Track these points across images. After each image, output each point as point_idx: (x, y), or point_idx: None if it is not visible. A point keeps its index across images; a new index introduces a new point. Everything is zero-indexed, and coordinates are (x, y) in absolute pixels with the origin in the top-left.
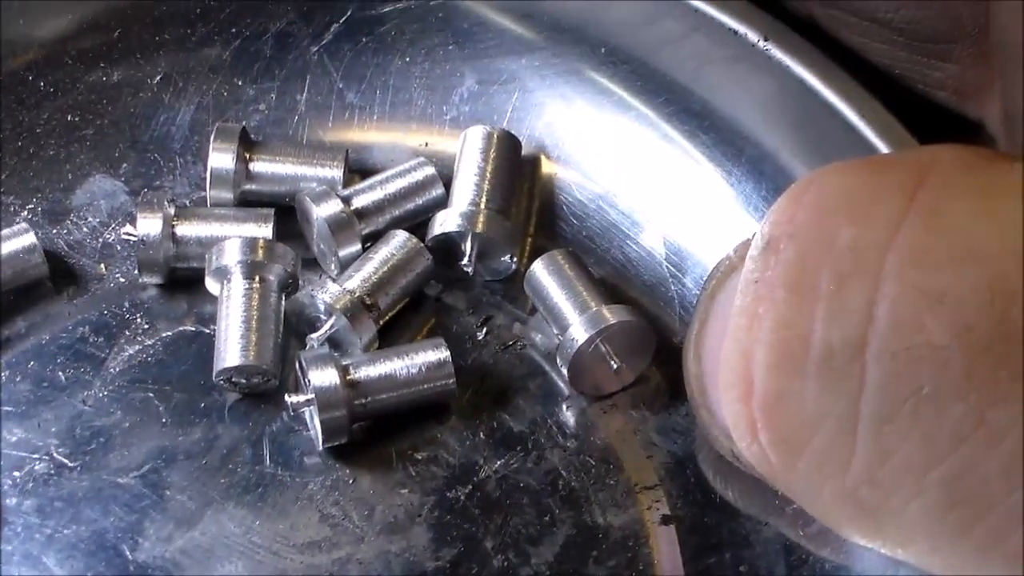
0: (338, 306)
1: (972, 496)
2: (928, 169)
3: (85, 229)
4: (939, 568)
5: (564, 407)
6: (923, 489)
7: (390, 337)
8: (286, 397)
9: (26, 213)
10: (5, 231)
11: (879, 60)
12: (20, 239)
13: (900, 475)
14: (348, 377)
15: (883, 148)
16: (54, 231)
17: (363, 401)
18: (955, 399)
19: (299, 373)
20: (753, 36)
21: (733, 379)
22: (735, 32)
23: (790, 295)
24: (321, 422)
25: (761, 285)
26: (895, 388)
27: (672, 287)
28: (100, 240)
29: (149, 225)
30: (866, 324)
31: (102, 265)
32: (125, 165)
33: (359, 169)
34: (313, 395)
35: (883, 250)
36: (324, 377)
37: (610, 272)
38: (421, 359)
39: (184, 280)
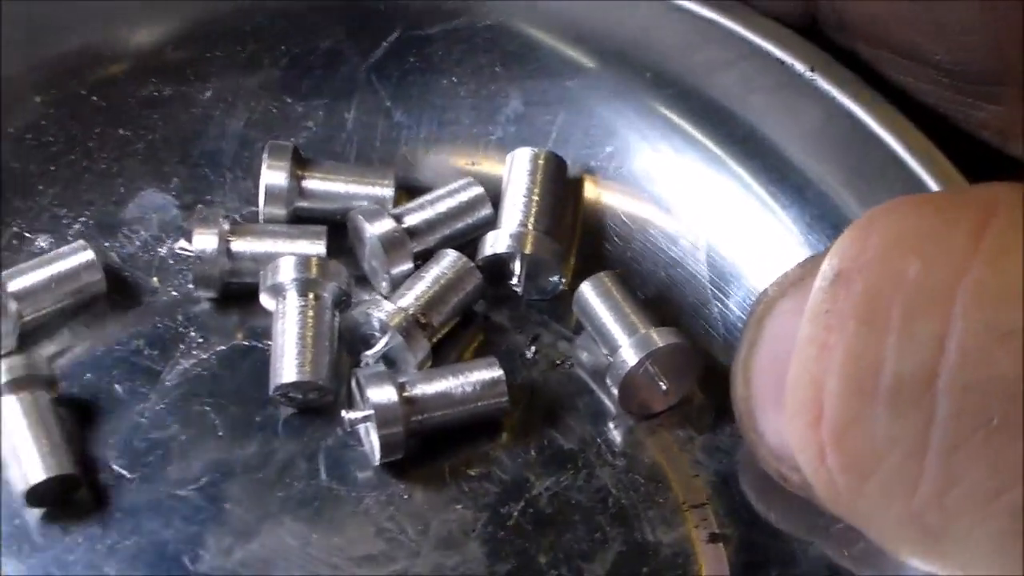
0: (393, 324)
1: None
2: (993, 208)
3: (137, 243)
4: None
5: (612, 425)
6: (989, 515)
7: (441, 354)
8: (343, 414)
9: (78, 226)
10: (64, 248)
11: (923, 98)
12: (79, 256)
13: (967, 501)
14: (405, 394)
15: (926, 178)
16: (106, 244)
17: (419, 418)
18: None
19: (355, 390)
20: (799, 66)
21: (802, 405)
22: (781, 62)
23: (861, 327)
24: (380, 438)
25: (831, 316)
26: (965, 419)
27: (716, 309)
28: (152, 254)
29: (205, 240)
30: (937, 357)
31: (155, 278)
32: (176, 180)
33: (405, 187)
34: (371, 411)
35: (953, 287)
36: (383, 394)
37: (654, 293)
38: (476, 377)
39: (236, 294)
